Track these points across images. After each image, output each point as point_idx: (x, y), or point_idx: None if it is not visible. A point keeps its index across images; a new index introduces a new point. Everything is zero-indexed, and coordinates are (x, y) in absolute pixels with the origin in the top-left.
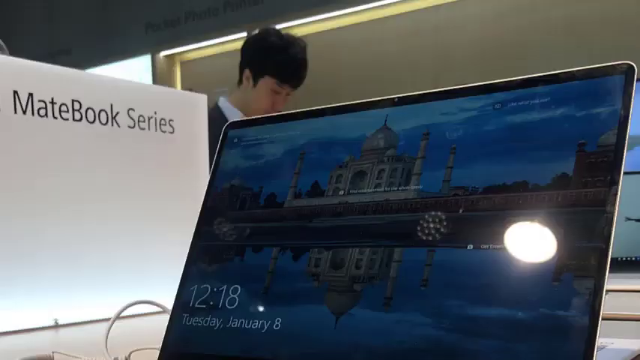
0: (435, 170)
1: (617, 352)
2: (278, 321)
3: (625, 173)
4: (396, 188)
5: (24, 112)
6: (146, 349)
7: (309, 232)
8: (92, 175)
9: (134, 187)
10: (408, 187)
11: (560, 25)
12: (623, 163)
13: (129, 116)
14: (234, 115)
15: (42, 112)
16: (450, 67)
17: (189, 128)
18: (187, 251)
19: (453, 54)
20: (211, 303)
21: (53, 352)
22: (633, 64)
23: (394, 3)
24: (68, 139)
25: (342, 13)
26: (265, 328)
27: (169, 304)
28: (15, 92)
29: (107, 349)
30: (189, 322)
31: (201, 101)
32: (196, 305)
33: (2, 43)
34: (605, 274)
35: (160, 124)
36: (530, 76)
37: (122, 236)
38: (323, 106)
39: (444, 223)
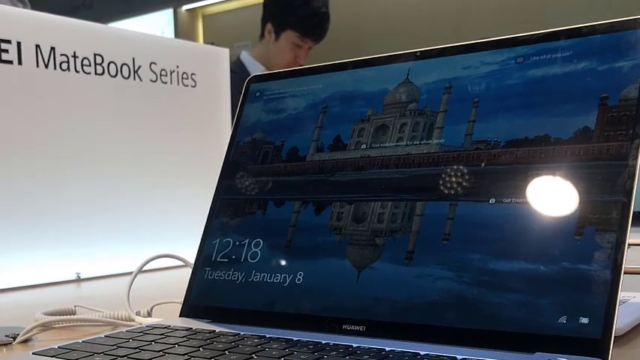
0: (457, 124)
1: (639, 306)
2: (300, 275)
3: None
4: (418, 142)
5: (46, 66)
6: (168, 302)
7: (331, 186)
8: (114, 129)
9: (156, 141)
10: (430, 141)
11: None
12: None
13: (151, 70)
14: (256, 68)
15: (64, 65)
16: (471, 20)
17: (211, 82)
18: (209, 205)
19: (474, 7)
20: (233, 257)
21: (75, 306)
22: None
23: None
24: (90, 93)
25: None
26: (287, 281)
27: (191, 257)
28: (37, 46)
29: (129, 303)
30: (211, 275)
31: (223, 55)
32: (218, 259)
33: None
34: (627, 228)
35: (182, 78)
36: (552, 29)
37: (144, 190)
38: (345, 60)
39: (466, 177)
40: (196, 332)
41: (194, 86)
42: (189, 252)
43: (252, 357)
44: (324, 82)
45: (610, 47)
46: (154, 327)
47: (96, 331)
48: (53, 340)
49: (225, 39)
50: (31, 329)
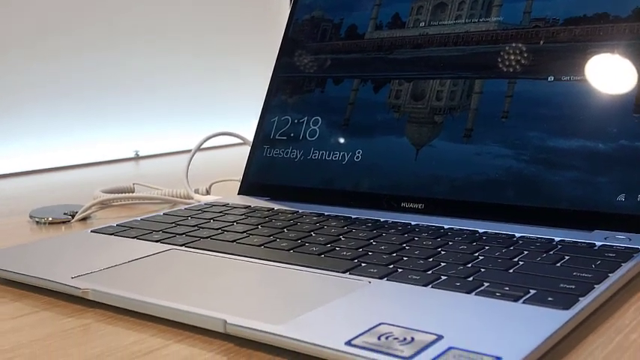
0: (516, 1)
1: None
2: (359, 152)
3: None
4: (476, 20)
5: None
6: (227, 180)
7: (390, 64)
8: (173, 8)
9: (215, 19)
10: (488, 19)
11: None
12: None
13: None
14: None
15: None
16: None
17: None
18: (268, 83)
19: None
20: (292, 135)
21: (134, 184)
22: None
23: None
24: None
25: None
26: (346, 159)
27: (250, 135)
28: None
29: (188, 181)
30: (269, 153)
31: None
32: (277, 137)
33: None
34: None
35: None
36: None
37: (203, 69)
38: None
39: (525, 55)
40: (255, 210)
41: None
42: (248, 130)
43: (311, 234)
44: None
45: None
46: (212, 205)
47: (154, 209)
48: (111, 218)
49: None
50: (90, 207)
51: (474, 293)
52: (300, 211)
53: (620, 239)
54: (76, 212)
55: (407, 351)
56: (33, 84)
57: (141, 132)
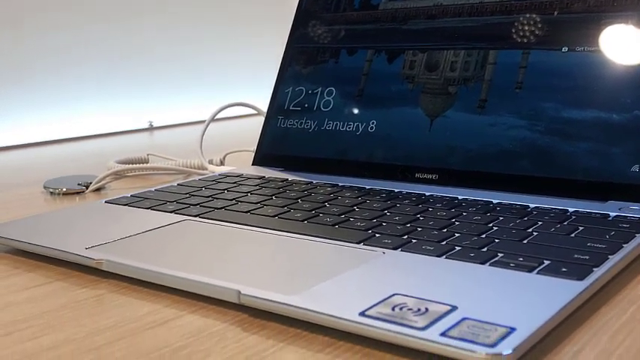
0: None
1: None
2: (373, 123)
3: None
4: None
5: None
6: (241, 151)
7: (404, 34)
8: None
9: None
10: None
11: None
12: None
13: None
14: None
15: None
16: None
17: None
18: (282, 54)
19: None
20: (306, 105)
21: (148, 155)
22: None
23: None
24: None
25: None
26: (360, 130)
27: (264, 106)
28: None
29: (202, 151)
30: (284, 124)
31: None
32: (291, 107)
33: None
34: None
35: None
36: None
37: (216, 39)
38: None
39: (539, 26)
40: (269, 180)
41: None
42: (262, 100)
43: (325, 205)
44: None
45: None
46: (226, 175)
47: (168, 179)
48: (125, 189)
49: None
50: (104, 178)
51: (488, 264)
52: (314, 181)
53: (634, 210)
54: (90, 183)
55: (421, 322)
56: (46, 54)
57: (155, 103)
